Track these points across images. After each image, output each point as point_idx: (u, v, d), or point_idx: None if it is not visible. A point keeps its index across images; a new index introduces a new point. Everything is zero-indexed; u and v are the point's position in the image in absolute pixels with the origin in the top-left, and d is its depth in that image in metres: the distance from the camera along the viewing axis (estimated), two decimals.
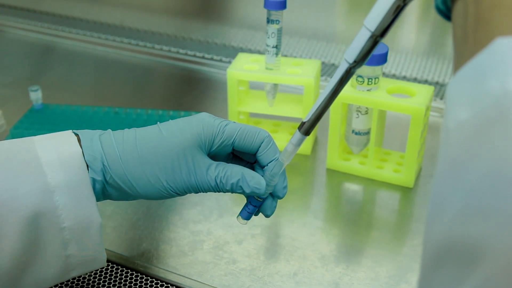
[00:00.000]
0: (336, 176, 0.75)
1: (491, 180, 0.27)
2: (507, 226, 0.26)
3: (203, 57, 1.04)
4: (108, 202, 0.69)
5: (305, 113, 0.76)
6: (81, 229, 0.49)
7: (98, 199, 0.51)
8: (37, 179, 0.47)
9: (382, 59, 0.68)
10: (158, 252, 0.63)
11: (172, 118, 0.79)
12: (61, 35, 1.14)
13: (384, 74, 0.98)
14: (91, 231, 0.49)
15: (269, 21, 0.71)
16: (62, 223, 0.48)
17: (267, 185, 0.52)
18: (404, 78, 0.97)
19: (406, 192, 0.72)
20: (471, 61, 0.30)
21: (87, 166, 0.49)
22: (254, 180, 0.51)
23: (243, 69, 0.76)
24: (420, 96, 0.69)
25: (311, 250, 0.63)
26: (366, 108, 0.71)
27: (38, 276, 0.49)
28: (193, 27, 1.11)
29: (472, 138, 0.29)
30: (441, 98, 0.91)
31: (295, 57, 1.03)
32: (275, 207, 0.55)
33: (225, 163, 0.52)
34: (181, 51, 1.06)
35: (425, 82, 0.96)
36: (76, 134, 0.51)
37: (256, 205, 0.54)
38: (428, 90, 0.70)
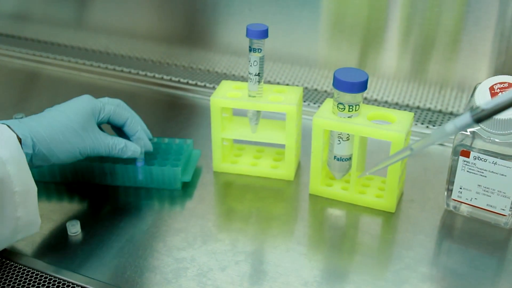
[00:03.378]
0: (319, 202, 0.76)
1: None
2: None
3: (187, 83, 1.05)
4: (93, 232, 0.70)
5: (288, 139, 0.77)
6: (26, 194, 0.61)
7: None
8: None
9: (363, 87, 0.69)
10: (142, 280, 0.63)
11: (157, 145, 0.80)
12: (45, 62, 1.15)
13: (366, 99, 0.99)
14: (31, 197, 0.62)
15: (251, 49, 0.73)
16: (14, 188, 0.60)
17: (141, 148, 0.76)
18: (385, 103, 0.98)
19: (388, 217, 0.73)
20: None
21: (21, 143, 0.64)
22: (133, 147, 0.74)
23: (226, 97, 0.77)
24: (400, 122, 0.70)
25: (294, 276, 0.64)
26: (348, 134, 0.72)
27: None
28: (177, 53, 1.12)
29: None
30: (422, 123, 0.92)
31: (278, 82, 1.04)
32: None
33: (115, 135, 0.75)
34: (165, 77, 1.07)
35: (406, 106, 0.97)
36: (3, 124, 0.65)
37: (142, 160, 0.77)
38: (408, 116, 0.72)
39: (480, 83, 0.67)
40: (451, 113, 0.95)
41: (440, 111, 0.96)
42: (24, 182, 0.61)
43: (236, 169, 0.81)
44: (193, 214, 0.73)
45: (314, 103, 0.98)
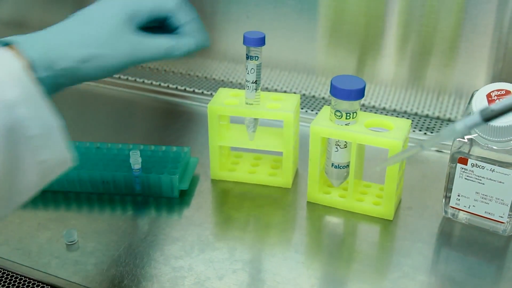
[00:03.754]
0: (317, 209, 0.75)
1: None
2: None
3: (184, 90, 1.05)
4: (89, 238, 0.69)
5: (285, 147, 0.77)
6: (46, 135, 0.52)
7: (51, 92, 0.55)
8: None
9: (360, 94, 0.69)
10: None
11: (154, 153, 0.80)
12: None
13: (363, 106, 0.99)
14: (54, 135, 0.53)
15: (248, 57, 0.73)
16: (28, 132, 0.51)
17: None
18: (383, 109, 0.98)
19: (386, 224, 0.73)
20: None
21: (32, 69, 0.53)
22: (185, 39, 0.61)
23: (223, 104, 0.77)
24: (397, 130, 0.70)
25: (292, 285, 0.63)
26: (345, 141, 0.72)
27: (22, 185, 0.53)
28: (174, 60, 1.12)
29: None
30: (420, 130, 0.92)
31: (275, 89, 1.04)
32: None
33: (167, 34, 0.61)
34: (162, 84, 1.07)
35: (404, 113, 0.97)
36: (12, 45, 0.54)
37: None
38: (406, 123, 0.72)
39: (477, 90, 0.67)
40: (449, 120, 0.95)
41: (438, 118, 0.96)
42: (43, 121, 0.52)
43: (234, 176, 0.81)
44: (191, 222, 0.73)
45: (312, 110, 0.98)
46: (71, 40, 0.56)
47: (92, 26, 0.57)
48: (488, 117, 0.47)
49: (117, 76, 1.10)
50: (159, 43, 0.59)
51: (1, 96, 0.49)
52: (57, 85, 0.56)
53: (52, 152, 0.54)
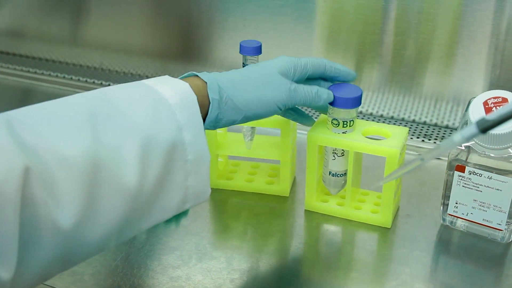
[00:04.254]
0: (315, 218, 0.75)
1: None
2: None
3: None
4: None
5: (282, 155, 0.77)
6: (198, 162, 0.56)
7: (210, 126, 0.60)
8: (171, 118, 0.54)
9: (357, 102, 0.69)
10: None
11: None
12: (40, 78, 1.15)
13: (361, 113, 0.99)
14: (203, 166, 0.57)
15: (244, 65, 0.72)
16: (187, 155, 0.55)
17: None
18: (381, 117, 0.98)
19: (384, 232, 0.72)
20: None
21: (206, 90, 0.59)
22: (325, 92, 0.68)
23: None
24: (394, 137, 0.70)
25: None
26: (342, 150, 0.72)
27: (164, 204, 0.55)
28: (172, 68, 1.12)
29: None
30: (418, 137, 0.92)
31: None
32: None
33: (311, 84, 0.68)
34: None
35: (402, 120, 0.97)
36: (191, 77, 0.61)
37: None
38: (403, 131, 0.71)
39: (474, 97, 0.67)
40: (446, 127, 0.95)
41: (435, 125, 0.96)
42: (199, 150, 0.56)
43: (231, 185, 0.80)
44: (188, 231, 0.73)
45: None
46: (237, 77, 0.62)
47: (258, 70, 0.64)
48: (485, 127, 0.48)
49: (106, 83, 1.10)
50: (309, 89, 0.66)
51: (175, 117, 0.54)
52: (220, 114, 0.60)
53: (198, 180, 0.57)
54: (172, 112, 0.54)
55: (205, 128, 0.60)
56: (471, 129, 0.48)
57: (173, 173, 0.54)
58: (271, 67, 0.64)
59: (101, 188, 0.49)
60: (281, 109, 0.64)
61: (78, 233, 0.48)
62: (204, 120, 0.59)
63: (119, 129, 0.51)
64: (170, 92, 0.55)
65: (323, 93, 0.67)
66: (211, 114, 0.59)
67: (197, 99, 0.57)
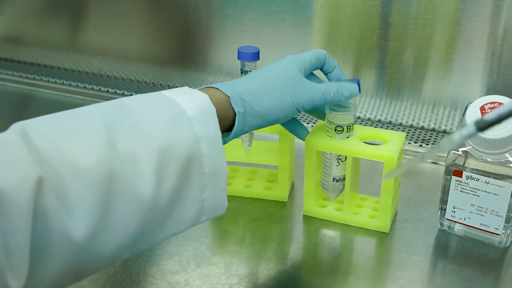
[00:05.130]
0: (313, 223, 0.75)
1: None
2: None
3: None
4: None
5: (281, 161, 0.77)
6: (215, 175, 0.55)
7: (235, 136, 0.61)
8: (189, 130, 0.53)
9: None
10: None
11: None
12: (38, 84, 1.15)
13: (359, 118, 0.99)
14: (221, 179, 0.56)
15: (242, 71, 0.73)
16: (204, 168, 0.54)
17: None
18: (379, 121, 0.98)
19: (382, 237, 0.73)
20: None
21: (231, 104, 0.59)
22: (348, 85, 0.67)
23: None
24: (392, 142, 0.70)
25: None
26: (345, 155, 0.72)
27: (179, 216, 0.54)
28: (170, 74, 1.13)
29: None
30: (415, 142, 0.92)
31: None
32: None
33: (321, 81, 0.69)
34: None
35: (400, 125, 0.97)
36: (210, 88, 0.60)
37: None
38: (400, 136, 0.72)
39: (471, 102, 0.67)
40: (444, 131, 0.96)
41: (433, 130, 0.96)
42: (216, 162, 0.55)
43: (230, 190, 0.80)
44: (187, 237, 0.73)
45: (307, 124, 0.98)
46: (256, 86, 0.62)
47: (272, 73, 0.64)
48: (483, 127, 0.50)
49: (113, 90, 1.10)
50: (327, 87, 0.66)
51: (192, 130, 0.54)
52: (246, 122, 0.61)
53: (214, 193, 0.56)
54: (190, 124, 0.54)
55: (231, 138, 0.61)
56: (470, 128, 0.50)
57: (189, 185, 0.54)
58: (284, 70, 0.64)
59: (116, 199, 0.48)
60: (299, 112, 0.65)
61: (91, 245, 0.48)
62: (227, 131, 0.60)
63: (135, 140, 0.51)
64: (189, 103, 0.55)
65: (345, 89, 0.67)
66: (237, 127, 0.60)
67: (218, 111, 0.56)
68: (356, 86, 0.68)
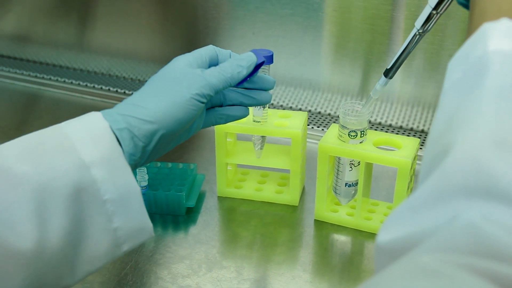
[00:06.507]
0: (324, 228, 0.75)
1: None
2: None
3: None
4: None
5: (292, 164, 0.76)
6: (122, 199, 0.50)
7: (136, 152, 0.53)
8: (71, 156, 0.48)
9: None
10: None
11: (160, 169, 0.80)
12: (47, 84, 1.14)
13: (370, 122, 0.99)
14: (132, 201, 0.51)
15: None
16: (103, 196, 0.49)
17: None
18: (390, 126, 0.98)
19: None
20: (465, 41, 0.43)
21: (117, 139, 0.51)
22: (242, 56, 0.60)
23: None
24: (406, 148, 0.70)
25: None
26: (359, 160, 0.72)
27: (90, 253, 0.50)
28: None
29: (460, 92, 0.40)
30: None
31: (281, 105, 1.04)
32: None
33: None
34: None
35: (411, 130, 0.97)
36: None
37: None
38: (414, 142, 0.71)
39: None
40: None
41: None
42: (120, 186, 0.50)
43: (240, 194, 0.80)
44: (198, 240, 0.72)
45: (318, 127, 0.97)
46: (138, 95, 0.56)
47: (156, 78, 0.58)
48: (386, 73, 0.68)
49: (121, 91, 1.10)
50: (213, 69, 0.59)
51: (77, 156, 0.48)
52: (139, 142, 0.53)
53: (128, 219, 0.51)
54: (74, 150, 0.49)
55: (145, 161, 0.54)
56: (382, 79, 0.68)
57: (87, 218, 0.49)
58: (167, 68, 0.58)
59: None
60: (204, 101, 0.56)
61: None
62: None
63: (4, 187, 0.46)
64: (76, 126, 0.50)
65: (244, 61, 0.59)
66: (128, 148, 0.52)
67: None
68: (251, 53, 0.60)
